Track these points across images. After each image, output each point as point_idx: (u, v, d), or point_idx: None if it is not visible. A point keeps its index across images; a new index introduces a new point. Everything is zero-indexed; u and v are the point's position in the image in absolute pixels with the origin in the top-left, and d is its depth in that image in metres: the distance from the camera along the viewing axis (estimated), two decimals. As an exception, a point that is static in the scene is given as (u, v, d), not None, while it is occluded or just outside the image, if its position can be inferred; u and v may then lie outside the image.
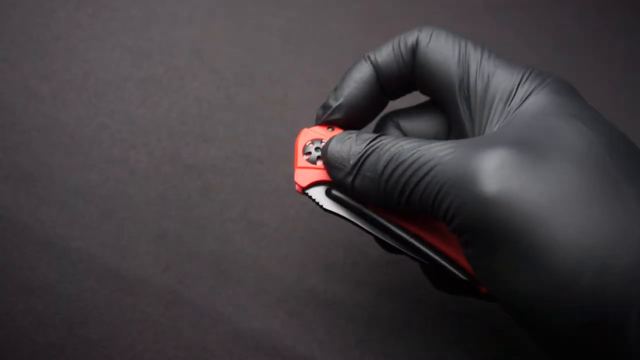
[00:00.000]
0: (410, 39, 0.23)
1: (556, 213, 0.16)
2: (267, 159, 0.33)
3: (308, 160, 0.23)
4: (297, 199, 0.32)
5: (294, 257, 0.31)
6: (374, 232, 0.22)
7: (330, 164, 0.21)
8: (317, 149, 0.23)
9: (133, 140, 0.33)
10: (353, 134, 0.21)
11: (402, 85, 0.24)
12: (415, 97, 0.25)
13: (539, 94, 0.20)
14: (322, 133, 0.24)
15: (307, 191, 0.23)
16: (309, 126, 0.24)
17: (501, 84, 0.21)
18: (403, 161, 0.19)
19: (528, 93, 0.20)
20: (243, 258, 0.31)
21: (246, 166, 0.33)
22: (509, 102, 0.20)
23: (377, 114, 0.25)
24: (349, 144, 0.21)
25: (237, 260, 0.31)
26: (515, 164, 0.17)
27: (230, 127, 0.34)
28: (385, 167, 0.19)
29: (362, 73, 0.23)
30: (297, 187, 0.23)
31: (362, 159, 0.20)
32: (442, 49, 0.22)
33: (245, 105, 0.34)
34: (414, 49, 0.23)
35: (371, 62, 0.23)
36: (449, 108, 0.22)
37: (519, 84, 0.20)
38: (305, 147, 0.23)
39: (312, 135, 0.24)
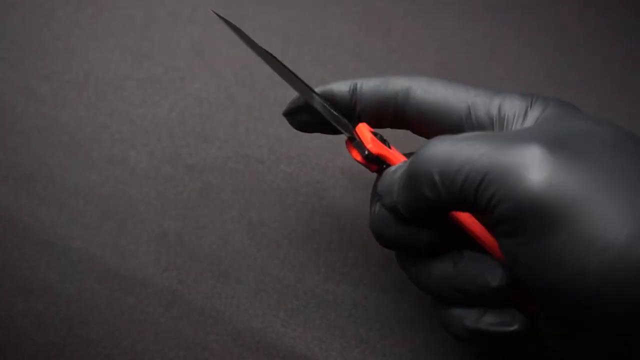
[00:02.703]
0: (399, 84, 0.24)
1: (602, 195, 0.17)
2: (267, 159, 0.33)
3: (379, 140, 0.24)
4: (297, 199, 0.32)
5: (294, 257, 0.31)
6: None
7: (381, 192, 0.22)
8: (382, 139, 0.24)
9: (133, 140, 0.33)
10: (397, 166, 0.22)
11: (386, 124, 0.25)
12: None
13: (552, 110, 0.21)
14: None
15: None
16: None
17: (514, 104, 0.21)
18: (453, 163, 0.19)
19: (541, 110, 0.21)
20: (243, 258, 0.31)
21: (246, 166, 0.33)
22: (526, 117, 0.21)
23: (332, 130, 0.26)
24: (395, 171, 0.22)
25: (237, 260, 0.31)
26: (558, 150, 0.17)
27: (230, 127, 0.34)
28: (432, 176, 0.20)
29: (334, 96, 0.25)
30: (367, 150, 0.24)
31: (402, 182, 0.21)
32: (439, 92, 0.23)
33: (245, 105, 0.34)
34: (405, 97, 0.23)
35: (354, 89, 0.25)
36: None
37: (530, 106, 0.21)
38: (373, 132, 0.24)
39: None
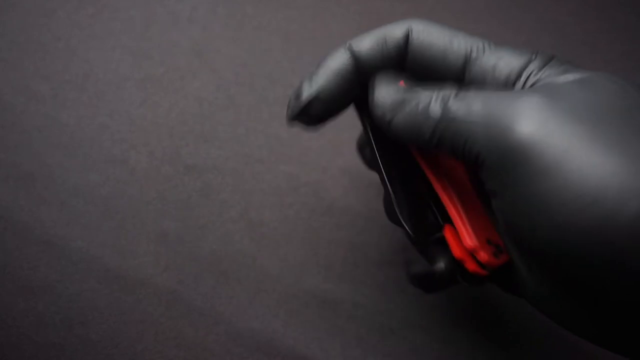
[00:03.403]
0: (397, 33, 0.22)
1: (599, 151, 0.16)
2: (267, 159, 0.33)
3: None
4: (297, 199, 0.32)
5: (294, 257, 0.31)
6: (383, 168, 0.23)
7: (374, 103, 0.22)
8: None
9: (133, 140, 0.33)
10: (396, 80, 0.22)
11: None
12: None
13: (550, 68, 0.20)
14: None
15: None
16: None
17: (510, 63, 0.20)
18: (429, 109, 0.20)
19: (540, 67, 0.20)
20: (243, 258, 0.31)
21: (246, 166, 0.33)
22: (520, 77, 0.20)
23: (347, 107, 0.24)
24: (392, 90, 0.21)
25: (237, 260, 0.31)
26: (549, 103, 0.17)
27: (230, 127, 0.34)
28: (424, 108, 0.20)
29: (340, 65, 0.23)
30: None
31: (401, 103, 0.21)
32: (439, 42, 0.22)
33: (245, 105, 0.34)
34: (401, 45, 0.22)
35: (352, 53, 0.23)
36: None
37: (529, 61, 0.20)
38: None
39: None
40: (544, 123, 0.17)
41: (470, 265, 0.21)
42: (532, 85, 0.20)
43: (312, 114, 0.23)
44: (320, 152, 0.33)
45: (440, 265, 0.21)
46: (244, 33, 0.37)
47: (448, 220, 0.22)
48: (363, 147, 0.28)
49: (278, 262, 0.31)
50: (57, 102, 0.34)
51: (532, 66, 0.20)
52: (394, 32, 0.22)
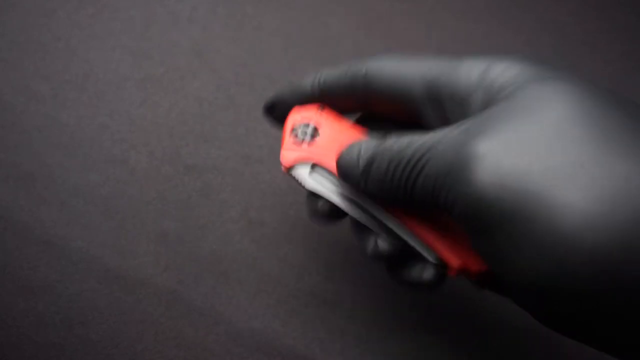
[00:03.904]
0: (361, 67, 0.24)
1: (552, 184, 0.16)
2: (267, 159, 0.33)
3: (294, 142, 0.24)
4: (297, 199, 0.32)
5: (294, 257, 0.31)
6: (350, 213, 0.23)
7: (342, 172, 0.22)
8: (303, 132, 0.24)
9: (133, 140, 0.33)
10: (362, 143, 0.22)
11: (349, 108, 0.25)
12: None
13: (510, 70, 0.20)
14: (311, 114, 0.25)
15: (291, 172, 0.24)
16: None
17: (471, 70, 0.20)
18: (400, 161, 0.20)
19: (498, 73, 0.20)
20: (243, 258, 0.31)
21: (246, 166, 0.33)
22: (482, 88, 0.20)
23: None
24: (357, 154, 0.22)
25: (237, 260, 0.31)
26: (504, 144, 0.17)
27: (230, 127, 0.34)
28: (387, 169, 0.20)
29: (304, 85, 0.26)
30: (282, 168, 0.24)
31: (368, 166, 0.21)
32: (396, 67, 0.23)
33: (245, 105, 0.34)
34: (365, 75, 0.23)
35: (318, 78, 0.25)
36: (420, 117, 0.23)
37: (486, 69, 0.20)
38: (293, 129, 0.24)
39: (302, 116, 0.25)
40: (498, 169, 0.17)
41: (473, 275, 0.22)
42: (492, 89, 0.20)
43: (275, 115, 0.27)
44: (320, 152, 0.33)
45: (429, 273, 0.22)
46: (244, 33, 0.37)
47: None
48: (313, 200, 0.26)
49: (278, 262, 0.31)
50: (57, 102, 0.34)
51: (495, 68, 0.20)
52: (358, 67, 0.24)
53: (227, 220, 0.31)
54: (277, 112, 0.27)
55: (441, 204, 0.19)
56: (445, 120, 0.21)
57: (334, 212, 0.24)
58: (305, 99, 0.25)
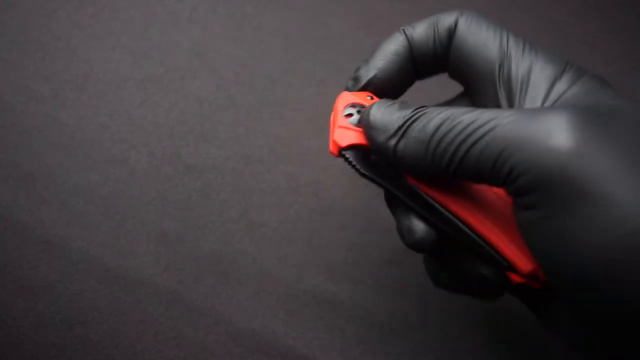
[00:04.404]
0: (449, 20, 0.22)
1: (630, 174, 0.16)
2: (267, 159, 0.33)
3: (349, 122, 0.22)
4: (297, 199, 0.32)
5: (294, 257, 0.31)
6: (410, 203, 0.20)
7: (372, 126, 0.20)
8: (359, 111, 0.22)
9: (133, 140, 0.33)
10: (397, 102, 0.21)
11: (434, 65, 0.23)
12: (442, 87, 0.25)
13: (581, 84, 0.20)
14: (362, 99, 0.22)
15: (345, 152, 0.21)
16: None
17: (545, 70, 0.20)
18: (459, 122, 0.18)
19: (571, 82, 0.20)
20: (243, 258, 0.31)
21: (246, 166, 0.33)
22: (552, 88, 0.20)
23: (404, 92, 0.24)
24: (394, 108, 0.20)
25: (237, 260, 0.31)
26: (586, 122, 0.17)
27: (230, 127, 0.34)
28: (438, 128, 0.18)
29: (397, 45, 0.23)
30: (332, 147, 0.22)
31: (410, 121, 0.19)
32: (482, 33, 0.22)
33: (245, 105, 0.34)
34: (452, 31, 0.22)
35: (406, 36, 0.23)
36: (485, 93, 0.21)
37: (562, 72, 0.20)
38: (345, 108, 0.22)
39: (352, 99, 0.22)
40: (583, 141, 0.16)
41: (516, 278, 0.20)
42: (560, 97, 0.20)
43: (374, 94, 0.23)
44: (320, 152, 0.33)
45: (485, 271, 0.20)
46: (244, 33, 0.36)
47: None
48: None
49: (278, 262, 0.31)
50: (57, 102, 0.34)
51: (566, 78, 0.20)
52: (445, 18, 0.23)
53: (227, 220, 0.31)
54: (377, 89, 0.23)
55: (504, 171, 0.17)
56: (510, 106, 0.21)
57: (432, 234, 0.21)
58: (400, 56, 0.23)
